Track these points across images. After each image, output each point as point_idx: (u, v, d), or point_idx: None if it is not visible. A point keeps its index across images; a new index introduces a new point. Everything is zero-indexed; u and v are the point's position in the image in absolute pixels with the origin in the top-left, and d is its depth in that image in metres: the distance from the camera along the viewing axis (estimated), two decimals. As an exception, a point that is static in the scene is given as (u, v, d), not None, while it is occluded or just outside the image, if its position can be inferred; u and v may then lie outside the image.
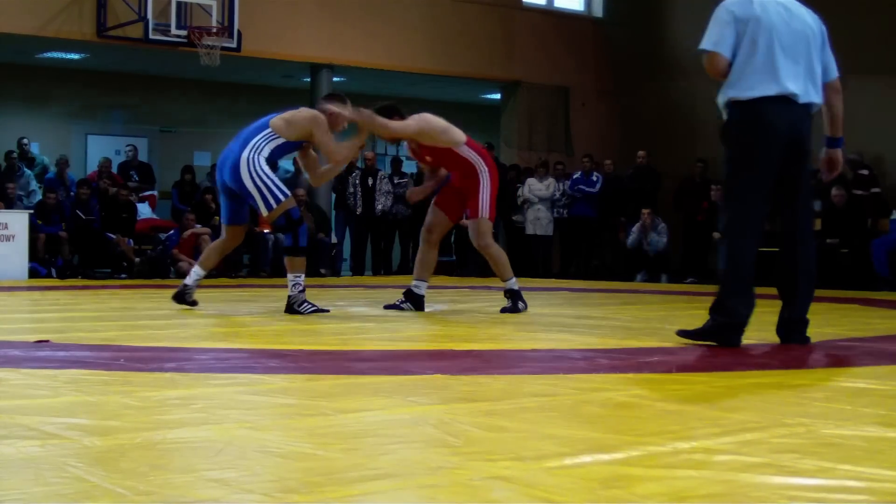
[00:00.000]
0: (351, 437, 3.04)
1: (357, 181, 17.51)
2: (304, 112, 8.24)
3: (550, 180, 18.25)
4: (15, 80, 19.11)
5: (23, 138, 17.51)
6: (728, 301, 5.64)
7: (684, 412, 3.50)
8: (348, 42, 18.42)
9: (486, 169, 8.46)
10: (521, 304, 8.56)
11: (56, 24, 15.97)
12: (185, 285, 8.32)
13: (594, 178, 18.20)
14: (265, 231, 16.15)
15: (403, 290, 8.69)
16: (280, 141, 8.01)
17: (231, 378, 4.38)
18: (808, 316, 5.88)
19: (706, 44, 5.75)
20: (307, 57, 17.98)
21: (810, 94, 5.74)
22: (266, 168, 7.84)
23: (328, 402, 3.64)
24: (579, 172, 18.37)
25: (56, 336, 5.86)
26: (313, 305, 7.99)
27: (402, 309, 8.51)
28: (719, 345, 5.60)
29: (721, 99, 5.83)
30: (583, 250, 18.52)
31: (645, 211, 16.75)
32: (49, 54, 18.20)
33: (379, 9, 18.77)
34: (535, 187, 18.18)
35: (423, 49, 19.18)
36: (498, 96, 21.25)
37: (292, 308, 7.93)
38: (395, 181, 17.87)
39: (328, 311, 8.09)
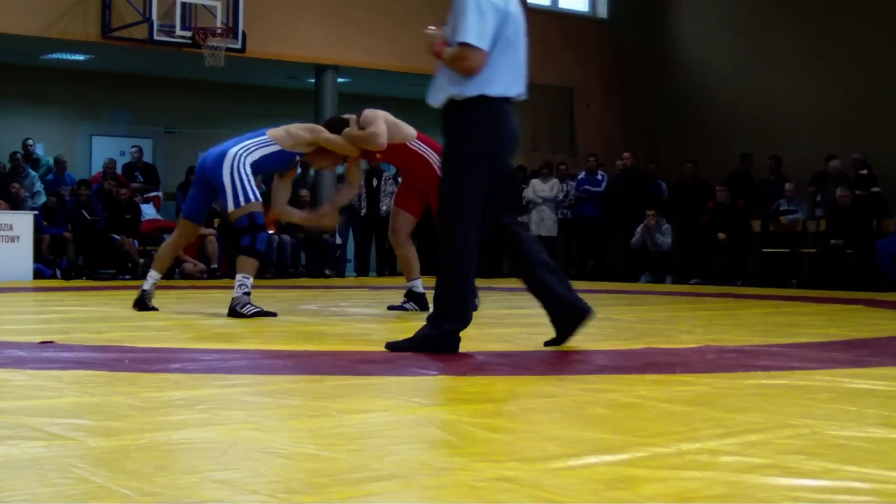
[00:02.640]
0: (355, 438, 3.04)
1: (361, 182, 17.50)
2: (301, 124, 8.34)
3: (554, 181, 18.24)
4: (20, 81, 19.11)
5: (28, 139, 17.52)
6: (461, 307, 5.39)
7: (689, 413, 3.50)
8: (353, 43, 18.43)
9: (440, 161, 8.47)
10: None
11: (61, 25, 15.98)
12: (144, 291, 8.19)
13: (599, 178, 18.19)
14: (269, 232, 16.14)
15: (405, 292, 8.71)
16: (274, 149, 8.04)
17: (235, 379, 4.38)
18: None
19: (469, 37, 5.28)
20: (312, 58, 17.99)
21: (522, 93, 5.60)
22: (247, 168, 7.86)
23: (332, 403, 3.64)
24: (583, 172, 18.36)
25: (61, 337, 5.86)
26: (256, 307, 7.81)
27: (405, 309, 8.53)
28: (441, 351, 5.29)
29: (455, 91, 5.44)
30: (588, 251, 18.50)
31: (649, 212, 16.74)
32: (54, 55, 18.22)
33: (383, 10, 18.76)
34: (539, 188, 18.17)
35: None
36: (502, 97, 21.21)
37: (234, 310, 7.76)
38: (400, 182, 17.86)
39: (274, 314, 7.91)
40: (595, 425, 3.32)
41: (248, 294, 7.84)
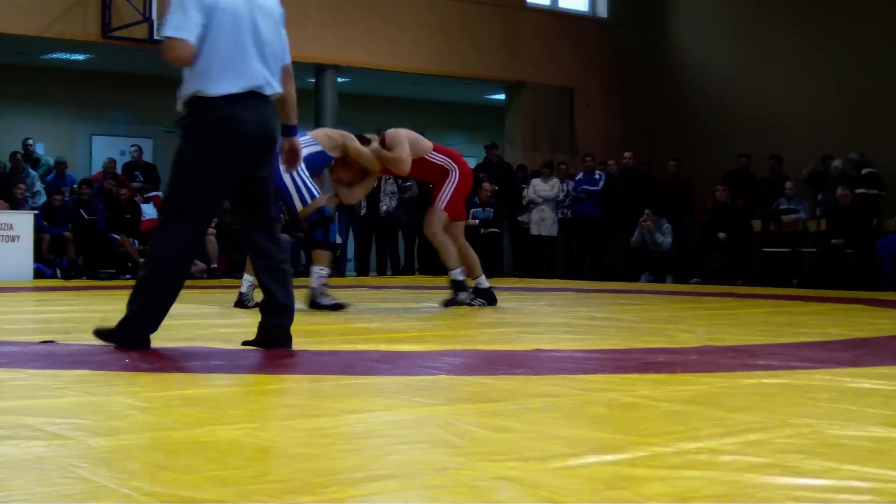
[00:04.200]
0: (355, 437, 3.04)
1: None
2: (333, 129, 8.89)
3: (555, 181, 18.23)
4: (19, 80, 19.11)
5: (28, 139, 17.52)
6: (160, 295, 5.24)
7: (689, 413, 3.50)
8: (353, 43, 18.43)
9: (457, 168, 8.93)
10: (462, 295, 8.91)
11: (60, 24, 15.98)
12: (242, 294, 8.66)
13: (597, 177, 18.19)
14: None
15: (472, 289, 9.08)
16: (316, 149, 8.41)
17: (235, 378, 4.38)
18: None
19: (168, 31, 5.13)
20: (312, 58, 17.98)
21: (274, 85, 5.32)
22: (303, 166, 8.10)
23: (333, 403, 3.64)
24: (582, 173, 18.35)
25: (61, 336, 5.86)
26: (333, 299, 8.43)
27: (472, 305, 8.92)
28: (129, 344, 5.18)
29: (184, 92, 5.22)
30: (588, 251, 18.50)
31: (647, 211, 16.72)
32: (53, 55, 18.21)
33: (383, 10, 18.77)
34: (539, 188, 18.16)
35: (428, 50, 19.18)
36: (502, 97, 21.24)
37: (314, 301, 8.35)
38: (400, 182, 17.83)
39: (347, 305, 8.50)
40: (595, 425, 3.32)
41: (325, 285, 8.45)
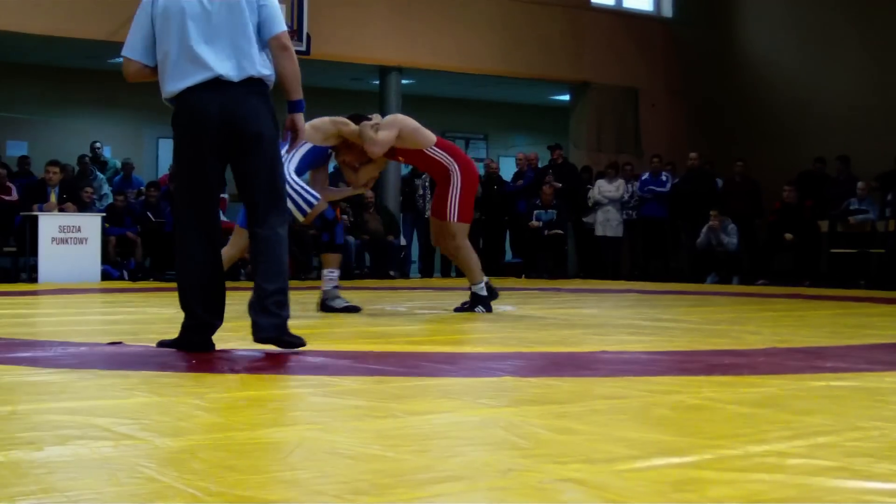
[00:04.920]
0: (420, 438, 3.04)
1: (426, 183, 17.48)
2: (326, 117, 8.52)
3: (620, 181, 18.15)
4: (87, 84, 19.33)
5: (95, 142, 17.71)
6: (187, 304, 5.27)
7: (756, 415, 3.47)
8: (417, 44, 18.46)
9: (458, 168, 8.55)
10: (478, 308, 8.53)
11: (128, 29, 16.11)
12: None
13: (664, 178, 18.07)
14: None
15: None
16: (306, 148, 8.23)
17: (301, 380, 4.40)
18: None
19: (123, 50, 5.41)
20: (376, 59, 18.04)
21: (244, 66, 5.16)
22: (294, 177, 8.04)
23: (398, 404, 3.64)
24: (647, 173, 18.25)
25: (128, 338, 5.92)
26: (345, 302, 8.39)
27: (473, 311, 8.52)
28: (188, 349, 5.22)
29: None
30: (653, 252, 18.40)
31: (713, 212, 16.59)
32: (120, 59, 18.36)
33: (447, 11, 18.79)
34: (604, 188, 18.09)
35: (492, 50, 19.17)
36: (567, 97, 21.19)
37: (325, 304, 8.35)
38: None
39: (359, 309, 8.43)
40: (661, 427, 3.30)
41: (336, 288, 8.42)
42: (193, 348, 5.22)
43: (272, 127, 5.26)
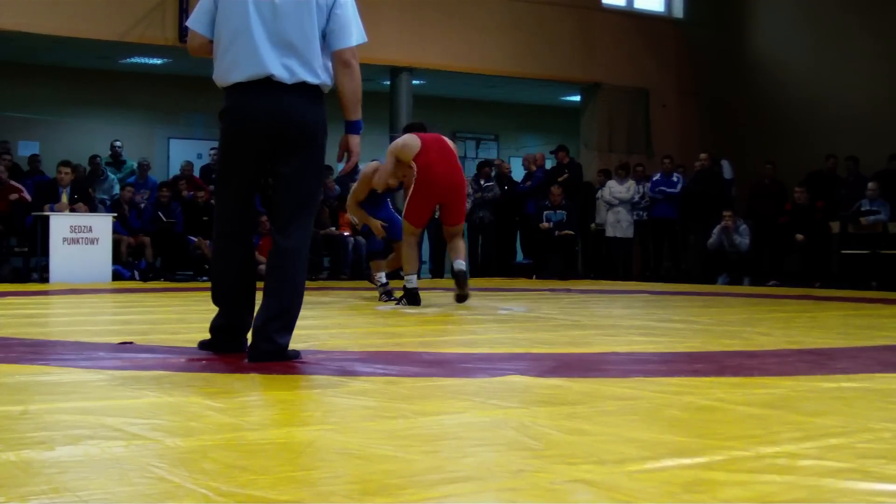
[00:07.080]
0: (431, 439, 3.04)
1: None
2: (382, 166, 9.50)
3: (630, 182, 18.13)
4: (98, 85, 19.38)
5: (115, 141, 17.72)
6: (220, 303, 5.17)
7: (767, 416, 3.46)
8: (428, 45, 18.46)
9: (415, 171, 9.12)
10: (398, 300, 9.37)
11: (139, 29, 16.17)
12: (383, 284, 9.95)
13: (675, 179, 18.05)
14: (345, 234, 16.23)
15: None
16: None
17: (312, 380, 4.40)
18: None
19: (188, 20, 5.04)
20: (387, 60, 18.03)
21: (297, 72, 4.88)
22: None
23: (408, 405, 3.65)
24: (659, 174, 18.23)
25: (140, 338, 5.93)
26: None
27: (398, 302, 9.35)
28: (220, 351, 5.17)
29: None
30: (664, 252, 18.38)
31: (726, 213, 16.57)
32: (132, 59, 18.44)
33: (458, 11, 18.79)
34: (615, 189, 18.07)
35: (503, 51, 19.16)
36: (578, 98, 21.17)
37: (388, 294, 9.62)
38: (482, 183, 17.74)
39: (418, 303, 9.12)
40: (672, 428, 3.30)
41: (385, 285, 9.87)
42: (226, 350, 5.17)
43: (320, 134, 5.00)
